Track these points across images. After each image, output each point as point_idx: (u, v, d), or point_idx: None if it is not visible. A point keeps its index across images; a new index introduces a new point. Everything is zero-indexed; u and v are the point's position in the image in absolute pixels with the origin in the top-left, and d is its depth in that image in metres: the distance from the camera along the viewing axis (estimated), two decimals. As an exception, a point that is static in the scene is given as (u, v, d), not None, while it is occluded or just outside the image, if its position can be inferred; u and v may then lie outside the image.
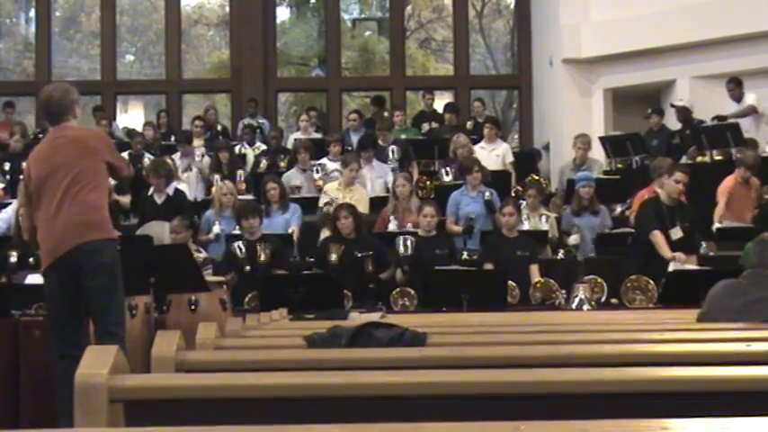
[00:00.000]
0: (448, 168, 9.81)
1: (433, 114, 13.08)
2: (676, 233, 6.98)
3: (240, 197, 9.06)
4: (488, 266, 7.34)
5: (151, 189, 8.72)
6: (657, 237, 6.96)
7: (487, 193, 8.45)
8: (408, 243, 7.26)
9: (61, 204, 4.75)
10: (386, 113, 13.10)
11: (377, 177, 9.62)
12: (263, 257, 7.07)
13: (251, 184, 9.76)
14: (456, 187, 8.86)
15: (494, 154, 10.47)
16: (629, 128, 11.69)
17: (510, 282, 6.93)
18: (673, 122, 11.51)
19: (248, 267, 7.08)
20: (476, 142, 10.56)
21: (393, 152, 10.26)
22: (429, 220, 7.63)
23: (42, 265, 4.92)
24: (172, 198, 8.57)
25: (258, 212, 7.53)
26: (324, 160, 9.96)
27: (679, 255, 6.79)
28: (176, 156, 10.52)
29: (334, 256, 7.08)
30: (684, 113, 10.74)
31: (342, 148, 10.17)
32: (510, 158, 10.74)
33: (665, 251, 6.85)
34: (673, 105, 11.07)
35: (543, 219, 8.49)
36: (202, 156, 10.73)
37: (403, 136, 11.54)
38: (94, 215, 4.80)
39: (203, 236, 8.22)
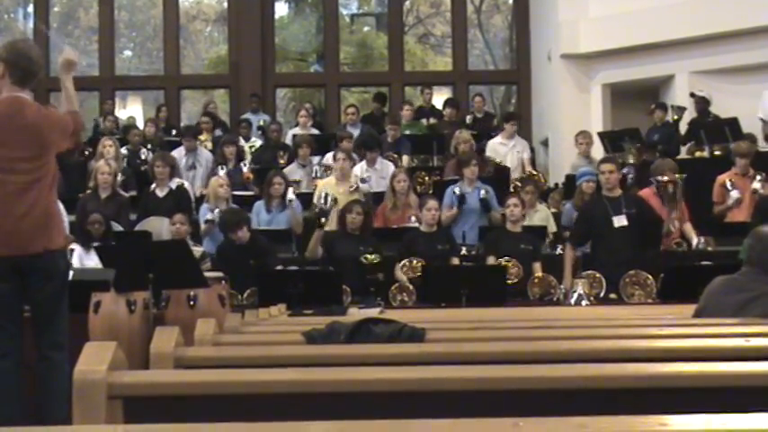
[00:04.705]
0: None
1: (431, 110, 13.02)
2: (620, 221, 7.12)
3: (241, 193, 9.03)
4: (491, 260, 7.31)
5: (153, 185, 8.61)
6: (566, 252, 7.26)
7: (483, 192, 8.39)
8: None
9: (16, 203, 4.31)
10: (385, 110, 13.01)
11: (380, 178, 9.39)
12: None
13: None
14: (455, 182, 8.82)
15: (515, 150, 10.44)
16: (627, 123, 11.67)
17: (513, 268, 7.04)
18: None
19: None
20: (475, 137, 10.52)
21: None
22: (433, 213, 7.50)
23: None
24: (174, 192, 8.52)
25: (245, 222, 7.42)
26: (328, 156, 9.88)
27: (567, 282, 6.94)
28: (180, 151, 10.21)
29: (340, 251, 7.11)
30: (703, 104, 10.82)
31: (353, 144, 10.04)
32: (528, 154, 10.74)
33: (567, 271, 7.06)
34: (692, 95, 11.06)
35: (537, 215, 8.47)
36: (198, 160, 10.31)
37: (407, 131, 11.52)
38: (53, 222, 4.45)
39: (202, 228, 8.18)
